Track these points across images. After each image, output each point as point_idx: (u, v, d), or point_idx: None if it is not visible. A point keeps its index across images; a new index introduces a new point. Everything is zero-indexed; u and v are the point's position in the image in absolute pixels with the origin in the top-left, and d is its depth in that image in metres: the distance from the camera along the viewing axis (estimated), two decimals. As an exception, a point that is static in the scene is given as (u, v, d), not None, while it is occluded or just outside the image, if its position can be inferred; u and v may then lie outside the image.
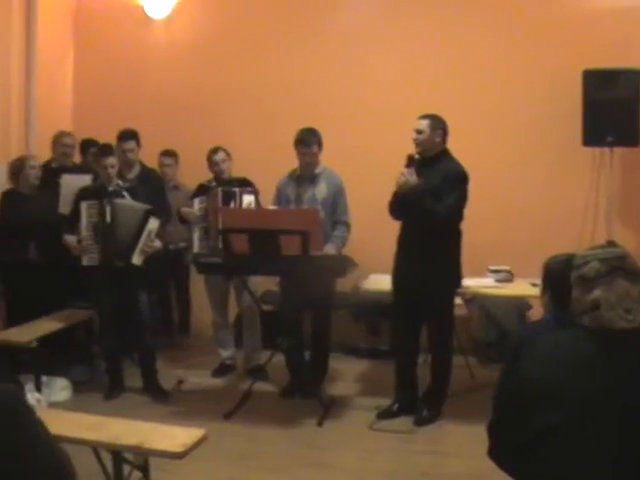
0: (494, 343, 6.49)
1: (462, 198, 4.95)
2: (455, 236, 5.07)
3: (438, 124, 5.01)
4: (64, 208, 5.98)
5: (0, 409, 2.09)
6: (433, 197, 4.85)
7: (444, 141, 5.07)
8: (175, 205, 6.25)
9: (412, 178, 4.86)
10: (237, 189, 5.90)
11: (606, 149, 6.40)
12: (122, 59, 7.74)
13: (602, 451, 2.16)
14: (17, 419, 2.12)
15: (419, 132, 4.98)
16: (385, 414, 5.18)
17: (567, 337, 2.39)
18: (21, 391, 2.24)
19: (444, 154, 5.06)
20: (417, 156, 5.00)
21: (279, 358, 5.71)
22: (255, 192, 5.96)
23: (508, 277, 5.72)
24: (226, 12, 7.50)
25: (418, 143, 4.99)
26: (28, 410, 2.20)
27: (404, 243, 5.11)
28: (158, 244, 5.67)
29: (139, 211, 5.56)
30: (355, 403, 5.61)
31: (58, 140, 6.62)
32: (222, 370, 6.31)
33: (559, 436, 2.22)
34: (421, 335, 5.29)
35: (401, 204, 4.99)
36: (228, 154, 6.17)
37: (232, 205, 5.84)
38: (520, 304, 6.53)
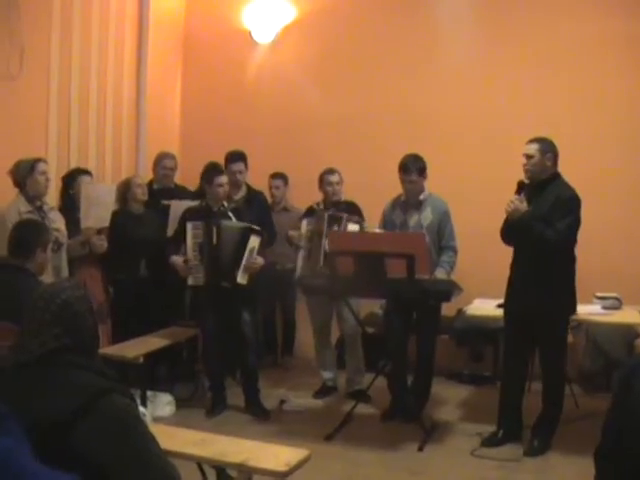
0: (600, 372, 6.31)
1: (575, 223, 4.81)
2: (569, 261, 4.94)
3: (548, 147, 4.87)
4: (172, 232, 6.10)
5: (113, 421, 2.14)
6: (544, 223, 4.74)
7: (555, 164, 4.92)
8: (285, 227, 6.31)
9: (522, 205, 4.78)
10: (345, 215, 5.91)
11: None
12: (229, 83, 7.91)
13: None
14: (129, 432, 2.17)
15: (529, 157, 4.86)
16: (490, 441, 5.08)
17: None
18: (135, 405, 2.29)
19: (555, 178, 4.92)
20: (526, 181, 4.91)
21: (381, 381, 5.68)
22: (361, 223, 5.92)
23: (616, 304, 5.51)
24: (331, 37, 7.58)
25: (528, 168, 4.88)
26: (140, 423, 2.24)
27: (517, 268, 5.01)
28: (260, 261, 5.70)
29: (238, 230, 5.63)
30: (457, 429, 5.52)
31: (159, 162, 6.73)
32: (324, 392, 6.32)
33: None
34: (530, 362, 5.20)
35: (511, 230, 4.92)
36: (341, 177, 6.19)
37: (335, 229, 5.85)
38: (628, 332, 6.32)
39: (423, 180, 5.58)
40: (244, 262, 5.58)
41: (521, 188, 4.86)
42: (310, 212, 6.19)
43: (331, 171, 6.18)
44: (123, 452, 2.13)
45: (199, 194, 6.09)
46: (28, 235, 4.23)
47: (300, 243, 6.00)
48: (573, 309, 5.01)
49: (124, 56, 7.25)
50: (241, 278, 5.59)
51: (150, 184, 6.72)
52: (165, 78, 7.97)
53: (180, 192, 6.65)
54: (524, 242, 4.86)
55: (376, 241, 5.28)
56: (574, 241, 4.90)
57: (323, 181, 6.18)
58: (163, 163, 6.73)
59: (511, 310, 5.07)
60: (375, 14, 7.43)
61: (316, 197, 6.27)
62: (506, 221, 4.97)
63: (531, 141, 4.91)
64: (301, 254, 5.99)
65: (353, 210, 6.10)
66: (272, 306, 7.29)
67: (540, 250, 4.78)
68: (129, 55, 7.33)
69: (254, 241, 5.62)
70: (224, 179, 5.70)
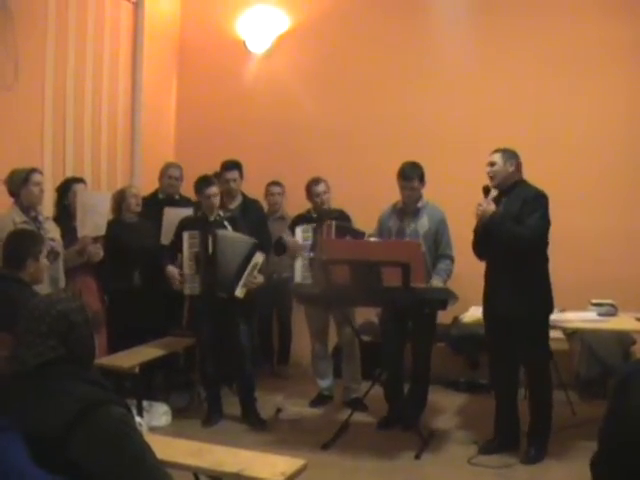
0: (596, 379, 6.30)
1: (544, 217, 4.88)
2: (543, 261, 4.98)
3: (510, 155, 5.01)
4: (165, 239, 6.10)
5: (109, 432, 2.14)
6: (515, 222, 4.83)
7: (519, 171, 5.04)
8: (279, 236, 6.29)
9: (490, 207, 4.88)
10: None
11: None
12: (224, 93, 7.93)
13: None
14: (125, 442, 2.17)
15: (492, 164, 4.99)
16: (486, 449, 5.07)
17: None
18: (130, 415, 2.28)
19: (520, 182, 5.02)
20: (495, 192, 5.01)
21: (378, 389, 5.67)
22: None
23: (611, 311, 5.51)
24: (325, 46, 7.61)
25: (492, 175, 5.00)
26: (136, 434, 2.24)
27: (492, 275, 5.05)
28: (260, 280, 5.72)
29: (244, 244, 5.63)
30: (454, 437, 5.51)
31: (165, 172, 6.78)
32: (320, 400, 6.31)
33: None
34: (519, 369, 5.20)
35: (484, 236, 4.96)
36: (328, 185, 6.19)
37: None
38: (624, 339, 6.34)
39: (422, 187, 5.61)
40: (245, 277, 5.58)
41: (487, 192, 4.99)
42: (303, 219, 6.18)
43: (316, 181, 6.18)
44: (119, 462, 2.12)
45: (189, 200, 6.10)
46: (18, 245, 4.22)
47: (300, 254, 5.98)
48: (550, 309, 5.03)
49: (119, 66, 7.26)
50: (239, 292, 5.59)
51: (155, 193, 6.77)
52: (160, 87, 7.99)
53: (184, 203, 6.64)
54: (497, 247, 4.89)
55: (371, 249, 5.27)
56: (546, 241, 4.93)
57: (311, 192, 6.18)
58: (169, 172, 6.77)
59: (491, 317, 5.08)
60: (369, 23, 7.45)
61: (309, 206, 6.27)
62: (476, 230, 5.05)
63: (495, 151, 5.05)
64: (299, 263, 5.98)
65: (345, 218, 6.14)
66: (268, 315, 7.28)
67: (514, 251, 4.82)
68: (124, 64, 7.35)
69: (259, 257, 5.64)
70: (214, 190, 5.69)
